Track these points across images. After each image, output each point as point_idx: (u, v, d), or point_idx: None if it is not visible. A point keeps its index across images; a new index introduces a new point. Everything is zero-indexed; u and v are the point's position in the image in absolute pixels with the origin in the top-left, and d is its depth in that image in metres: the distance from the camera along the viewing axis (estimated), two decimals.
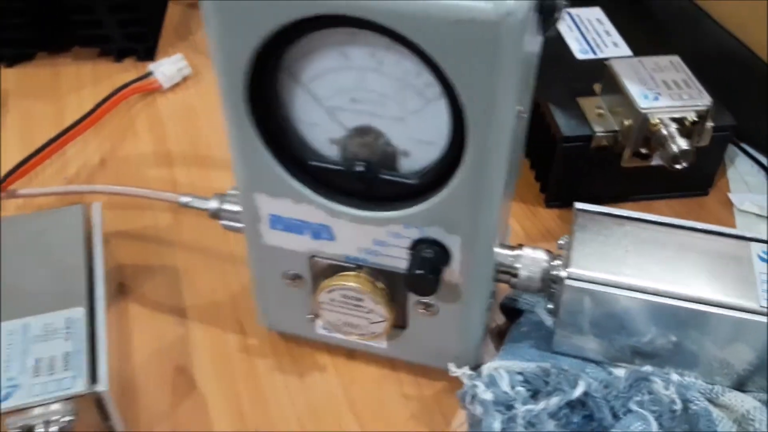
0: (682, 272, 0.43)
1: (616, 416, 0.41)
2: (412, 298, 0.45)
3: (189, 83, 0.74)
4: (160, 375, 0.49)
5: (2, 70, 0.76)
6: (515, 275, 0.45)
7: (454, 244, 0.41)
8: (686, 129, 0.54)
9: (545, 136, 0.59)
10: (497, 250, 0.44)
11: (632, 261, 0.43)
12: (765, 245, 0.44)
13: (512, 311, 0.50)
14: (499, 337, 0.50)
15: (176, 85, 0.74)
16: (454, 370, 0.44)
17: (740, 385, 0.43)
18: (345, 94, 0.37)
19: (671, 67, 0.58)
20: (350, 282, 0.44)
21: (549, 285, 0.44)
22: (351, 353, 0.51)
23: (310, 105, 0.38)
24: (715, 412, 0.40)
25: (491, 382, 0.42)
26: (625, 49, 0.65)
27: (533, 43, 0.38)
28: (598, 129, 0.56)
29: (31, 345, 0.42)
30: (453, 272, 0.42)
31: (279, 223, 0.43)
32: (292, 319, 0.49)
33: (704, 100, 0.55)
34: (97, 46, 0.77)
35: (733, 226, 0.60)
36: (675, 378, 0.41)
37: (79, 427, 0.41)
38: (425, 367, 0.49)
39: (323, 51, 0.36)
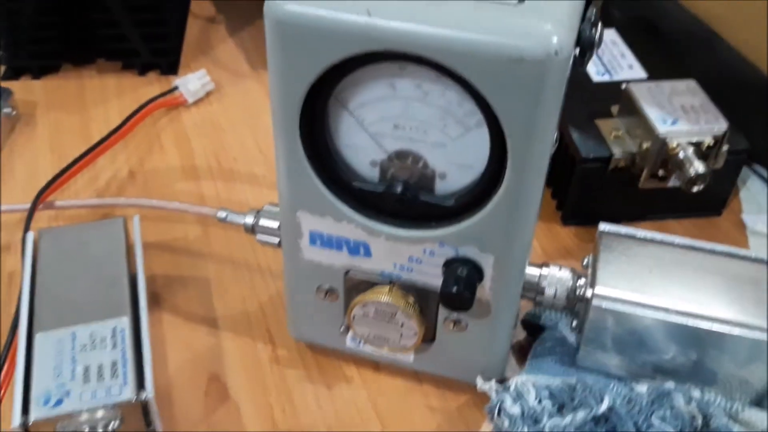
0: (701, 293, 0.44)
1: (639, 431, 0.42)
2: (443, 313, 0.46)
3: (212, 98, 0.76)
4: (194, 382, 0.51)
5: (30, 82, 0.77)
6: (542, 293, 0.46)
7: (487, 262, 0.42)
8: (702, 152, 0.55)
9: (563, 156, 0.60)
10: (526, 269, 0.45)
11: (655, 282, 0.44)
12: None
13: (534, 327, 0.51)
14: (520, 351, 0.52)
15: (200, 100, 0.75)
16: (481, 384, 0.45)
17: (759, 403, 0.44)
18: (389, 121, 0.39)
19: (687, 91, 0.59)
20: (384, 297, 0.45)
21: (574, 303, 0.46)
22: (377, 365, 0.52)
23: (355, 129, 0.40)
24: (736, 427, 0.42)
25: (518, 396, 0.43)
26: (639, 71, 0.66)
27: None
28: (617, 151, 0.58)
29: (79, 353, 0.44)
30: (484, 289, 0.43)
31: (318, 239, 0.45)
32: (321, 331, 0.50)
33: (720, 125, 0.56)
34: (121, 59, 0.79)
35: (746, 246, 0.61)
36: (696, 394, 0.42)
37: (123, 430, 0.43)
38: (450, 380, 0.50)
39: (372, 82, 0.38)
